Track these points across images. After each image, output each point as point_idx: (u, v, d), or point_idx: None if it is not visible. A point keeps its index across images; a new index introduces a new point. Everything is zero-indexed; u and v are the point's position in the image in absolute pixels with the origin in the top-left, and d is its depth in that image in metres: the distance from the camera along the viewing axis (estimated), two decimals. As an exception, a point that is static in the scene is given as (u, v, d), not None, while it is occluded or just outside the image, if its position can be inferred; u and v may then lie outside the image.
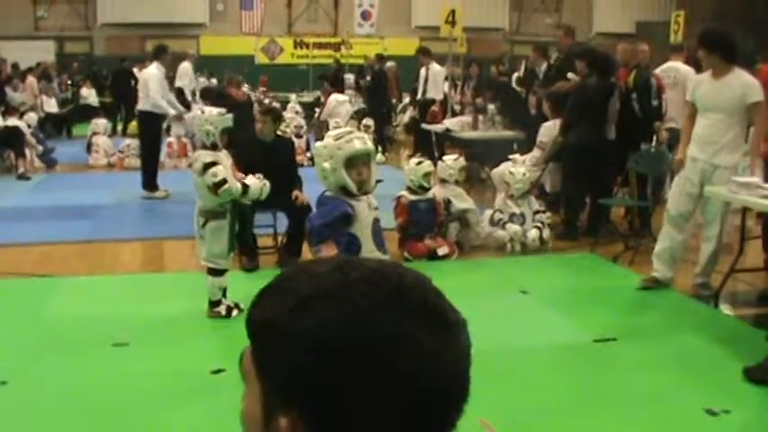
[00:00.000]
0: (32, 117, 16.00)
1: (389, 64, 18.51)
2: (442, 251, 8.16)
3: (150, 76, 11.57)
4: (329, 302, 0.88)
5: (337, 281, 0.90)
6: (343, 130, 4.84)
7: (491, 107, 12.60)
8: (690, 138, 6.95)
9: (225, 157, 6.36)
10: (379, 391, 0.86)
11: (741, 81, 6.69)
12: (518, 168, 8.75)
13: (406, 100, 18.94)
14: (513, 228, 8.46)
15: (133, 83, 18.95)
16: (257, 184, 6.43)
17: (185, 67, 15.23)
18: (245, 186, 6.33)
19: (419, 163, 8.47)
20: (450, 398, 0.92)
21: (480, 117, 12.53)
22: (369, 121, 15.49)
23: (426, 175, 8.30)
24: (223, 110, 6.62)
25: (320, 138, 4.90)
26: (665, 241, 7.16)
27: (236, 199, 6.29)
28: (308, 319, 0.87)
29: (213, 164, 6.13)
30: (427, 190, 8.28)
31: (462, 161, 9.19)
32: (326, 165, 4.31)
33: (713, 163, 6.78)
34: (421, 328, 0.89)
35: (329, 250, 4.19)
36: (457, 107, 14.98)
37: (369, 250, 4.39)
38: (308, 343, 0.87)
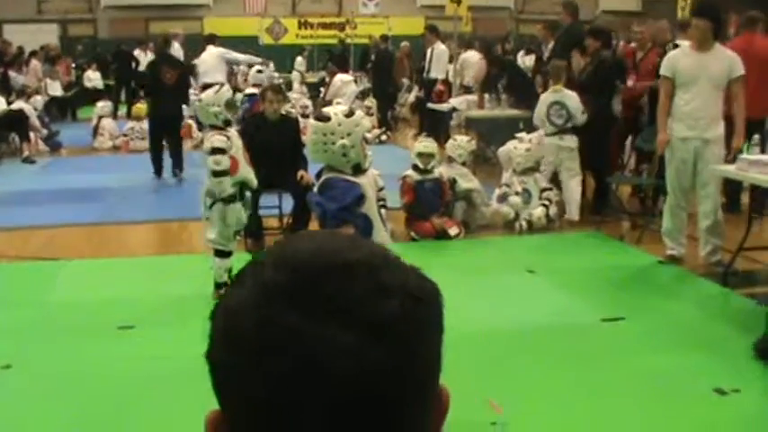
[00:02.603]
0: (38, 100, 15.97)
1: (403, 44, 18.44)
2: (452, 231, 8.13)
3: (212, 54, 13.09)
4: (237, 283, 0.83)
5: (257, 259, 0.84)
6: (345, 107, 4.79)
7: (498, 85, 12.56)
8: (667, 115, 7.00)
9: (236, 138, 6.37)
10: (243, 385, 0.79)
11: (727, 54, 6.82)
12: (521, 144, 8.71)
13: (406, 81, 18.85)
14: (514, 200, 8.43)
15: (134, 65, 18.98)
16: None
17: (176, 49, 15.20)
18: (242, 193, 6.34)
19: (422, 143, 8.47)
20: (337, 406, 0.76)
21: (486, 96, 12.46)
22: (370, 102, 15.42)
23: (420, 155, 8.25)
24: (217, 86, 6.63)
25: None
26: (670, 219, 7.17)
27: (245, 182, 6.31)
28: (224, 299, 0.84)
29: (221, 151, 6.12)
30: (424, 171, 8.22)
31: (474, 144, 9.16)
32: (346, 141, 4.24)
33: (704, 138, 6.83)
34: (309, 323, 0.77)
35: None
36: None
37: (378, 228, 4.35)
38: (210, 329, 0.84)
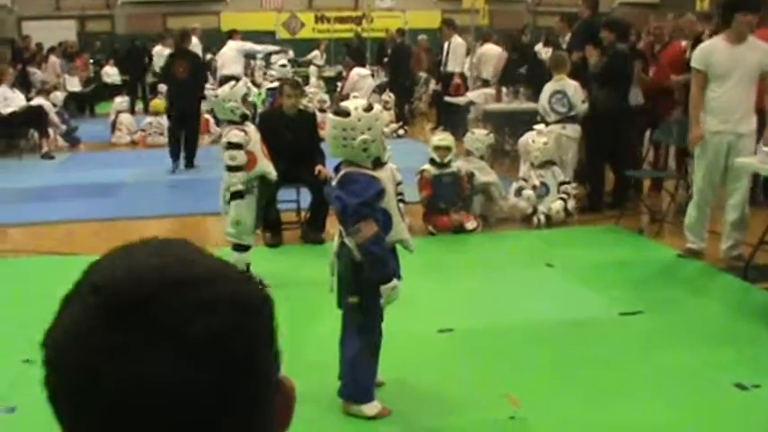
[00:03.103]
0: (58, 96, 16.02)
1: (421, 37, 18.40)
2: (470, 225, 8.11)
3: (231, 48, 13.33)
4: (63, 308, 0.84)
5: (80, 281, 0.84)
6: (364, 102, 4.77)
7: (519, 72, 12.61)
8: (700, 109, 6.85)
9: (254, 132, 6.39)
10: (74, 409, 0.80)
11: (760, 45, 6.67)
12: (539, 138, 8.68)
13: (424, 75, 18.82)
14: (528, 194, 8.41)
15: (147, 60, 19.04)
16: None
17: (194, 44, 15.20)
18: (264, 187, 6.39)
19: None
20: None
21: (504, 89, 12.43)
22: (387, 96, 15.39)
23: (436, 149, 8.25)
24: (233, 82, 6.68)
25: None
26: (695, 213, 7.08)
27: (264, 176, 6.33)
28: None
29: (237, 147, 6.15)
30: (441, 165, 8.20)
31: (492, 138, 9.16)
32: (366, 136, 4.23)
33: (738, 132, 6.72)
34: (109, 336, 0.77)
35: (370, 229, 4.11)
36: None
37: (397, 222, 4.34)
38: None
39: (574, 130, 9.01)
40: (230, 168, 6.19)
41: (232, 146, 6.18)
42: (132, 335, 0.76)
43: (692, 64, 6.97)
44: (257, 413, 0.83)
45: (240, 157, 6.18)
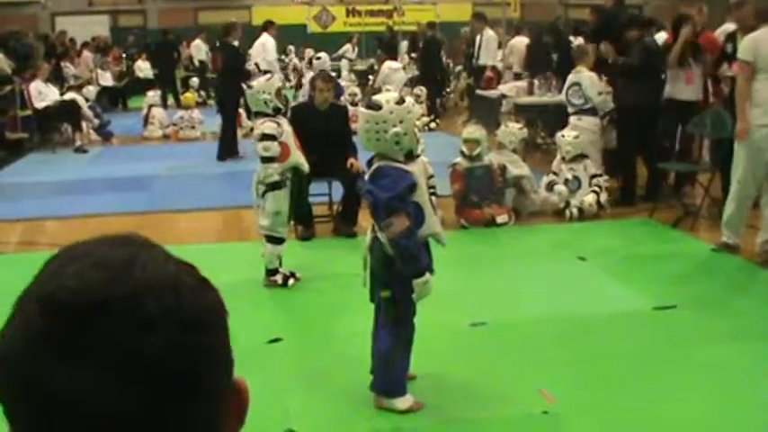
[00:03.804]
0: (91, 90, 16.14)
1: (464, 30, 18.38)
2: (501, 219, 8.08)
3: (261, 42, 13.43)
4: (8, 323, 0.81)
5: (25, 294, 0.81)
6: (395, 94, 4.76)
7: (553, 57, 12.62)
8: (747, 101, 6.70)
9: (287, 124, 6.42)
10: (15, 423, 0.79)
11: None
12: (569, 131, 8.65)
13: (459, 67, 18.79)
14: (560, 188, 8.38)
15: (176, 55, 19.19)
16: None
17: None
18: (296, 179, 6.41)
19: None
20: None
21: (536, 82, 12.38)
22: (419, 90, 15.36)
23: (465, 141, 8.24)
24: (269, 75, 6.71)
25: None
26: (736, 208, 6.96)
27: (297, 167, 6.34)
28: None
29: (272, 138, 6.17)
30: (472, 158, 8.18)
31: (525, 132, 9.15)
32: (399, 129, 4.23)
33: None
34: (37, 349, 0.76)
35: (402, 223, 4.10)
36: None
37: (429, 215, 4.32)
38: None
39: (589, 122, 8.99)
40: (264, 159, 6.22)
41: (266, 137, 6.21)
42: (68, 350, 0.75)
43: (740, 55, 6.84)
44: (200, 425, 0.81)
45: (274, 148, 6.20)
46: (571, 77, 9.22)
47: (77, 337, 0.75)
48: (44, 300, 0.78)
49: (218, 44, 12.60)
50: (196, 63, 20.87)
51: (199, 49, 20.68)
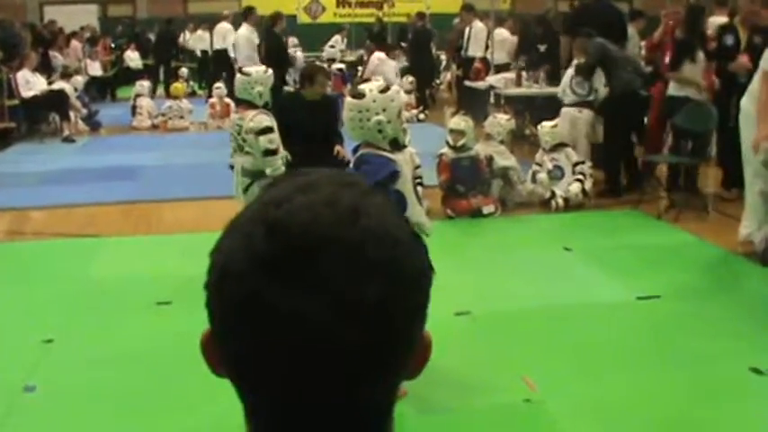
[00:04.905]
0: (79, 80, 16.10)
1: (456, 21, 18.43)
2: (487, 210, 8.11)
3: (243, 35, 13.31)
4: (231, 231, 0.86)
5: (252, 211, 0.85)
6: (380, 83, 4.78)
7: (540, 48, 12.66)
8: None
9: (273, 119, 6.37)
10: (224, 334, 0.84)
11: None
12: (547, 122, 8.74)
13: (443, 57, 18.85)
14: (542, 177, 8.43)
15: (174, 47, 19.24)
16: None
17: (229, 28, 15.22)
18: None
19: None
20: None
21: (524, 74, 12.42)
22: (408, 81, 15.38)
23: (451, 132, 8.28)
24: (264, 67, 6.65)
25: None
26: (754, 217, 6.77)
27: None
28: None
29: (271, 130, 6.13)
30: (457, 148, 8.20)
31: (513, 123, 9.18)
32: (382, 117, 4.26)
33: None
34: (269, 277, 0.79)
35: None
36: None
37: (413, 204, 4.35)
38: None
39: (589, 115, 9.12)
40: (268, 152, 6.11)
41: (266, 130, 6.12)
42: (293, 282, 0.79)
43: (764, 65, 6.52)
44: (396, 370, 0.86)
45: (276, 139, 6.15)
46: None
47: (301, 270, 0.79)
48: (272, 225, 0.81)
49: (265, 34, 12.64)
50: (198, 53, 20.91)
51: (202, 40, 20.72)
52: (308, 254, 0.79)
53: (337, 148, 7.62)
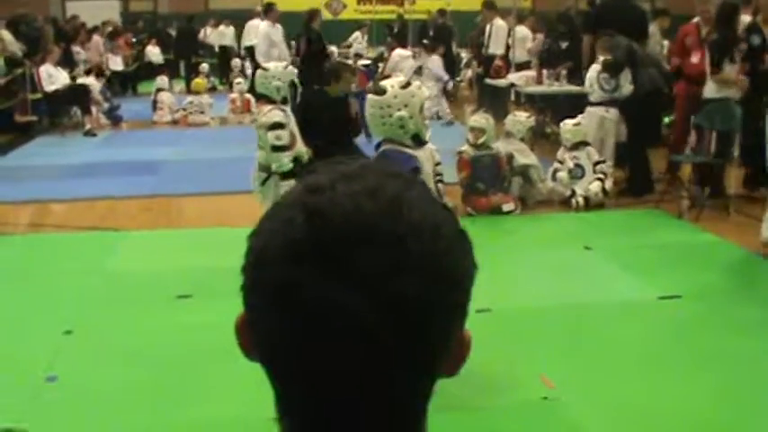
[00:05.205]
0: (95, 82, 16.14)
1: (478, 18, 18.39)
2: (507, 207, 8.10)
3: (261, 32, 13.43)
4: (269, 215, 0.85)
5: (294, 197, 0.84)
6: (401, 79, 4.79)
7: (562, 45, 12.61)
8: None
9: (291, 115, 6.34)
10: (259, 320, 0.84)
11: None
12: (570, 119, 8.69)
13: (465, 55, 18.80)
14: (561, 176, 8.40)
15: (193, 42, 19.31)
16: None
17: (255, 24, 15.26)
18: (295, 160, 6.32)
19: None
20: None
21: (545, 72, 12.37)
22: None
23: (471, 129, 8.26)
24: (286, 63, 6.64)
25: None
26: None
27: (299, 156, 6.28)
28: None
29: (281, 126, 6.10)
30: (477, 146, 8.19)
31: (533, 121, 9.16)
32: (403, 113, 4.26)
33: None
34: (309, 271, 0.78)
35: None
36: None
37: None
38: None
39: (614, 114, 9.00)
40: (276, 148, 6.09)
41: (276, 126, 6.11)
42: (331, 272, 0.77)
43: None
44: (432, 367, 0.84)
45: (285, 136, 6.10)
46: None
47: (340, 260, 0.77)
48: (313, 212, 0.79)
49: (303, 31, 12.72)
50: (216, 49, 20.96)
51: (222, 35, 20.74)
52: (347, 244, 0.77)
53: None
